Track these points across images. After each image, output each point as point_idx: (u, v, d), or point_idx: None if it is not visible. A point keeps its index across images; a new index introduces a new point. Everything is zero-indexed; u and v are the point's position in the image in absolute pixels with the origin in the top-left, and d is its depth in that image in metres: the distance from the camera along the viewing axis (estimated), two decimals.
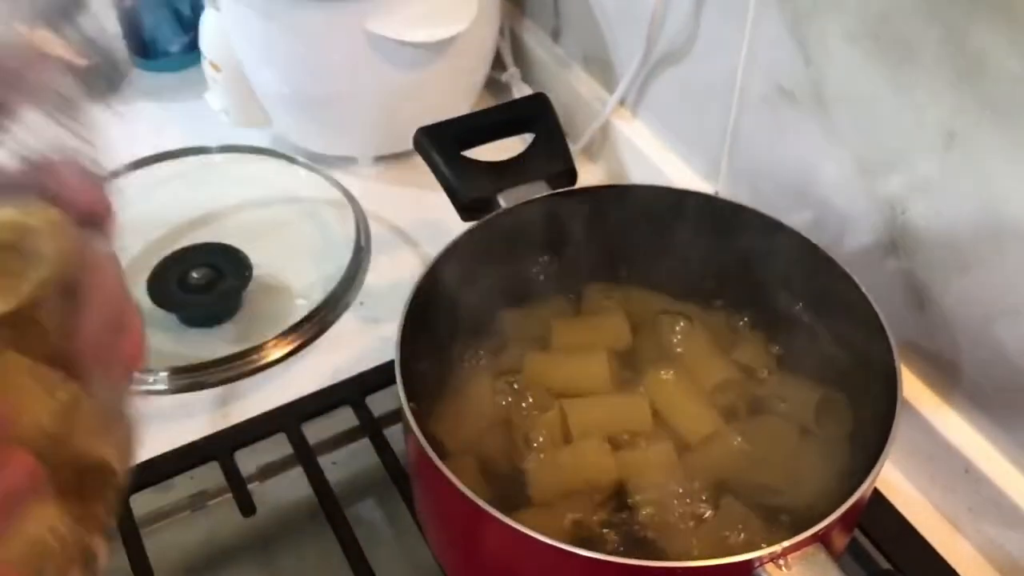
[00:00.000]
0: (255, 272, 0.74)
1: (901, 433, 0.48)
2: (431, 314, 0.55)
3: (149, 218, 0.80)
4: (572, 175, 0.61)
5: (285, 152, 0.83)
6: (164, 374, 0.67)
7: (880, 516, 0.58)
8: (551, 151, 0.61)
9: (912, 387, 0.61)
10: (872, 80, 0.57)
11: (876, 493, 0.57)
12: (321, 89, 0.81)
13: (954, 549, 0.59)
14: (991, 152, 0.51)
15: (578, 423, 0.53)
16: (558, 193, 0.60)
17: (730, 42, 0.67)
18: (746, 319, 0.60)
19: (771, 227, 0.58)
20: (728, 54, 0.68)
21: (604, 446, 0.52)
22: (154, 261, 0.74)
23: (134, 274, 0.75)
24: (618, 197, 0.61)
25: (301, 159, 0.82)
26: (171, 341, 0.72)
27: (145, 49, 0.98)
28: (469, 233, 0.57)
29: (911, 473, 0.63)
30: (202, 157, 0.82)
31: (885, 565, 0.57)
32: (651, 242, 0.62)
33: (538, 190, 0.60)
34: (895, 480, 0.63)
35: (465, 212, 0.59)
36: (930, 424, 0.60)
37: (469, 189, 0.59)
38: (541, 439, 0.53)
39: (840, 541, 0.49)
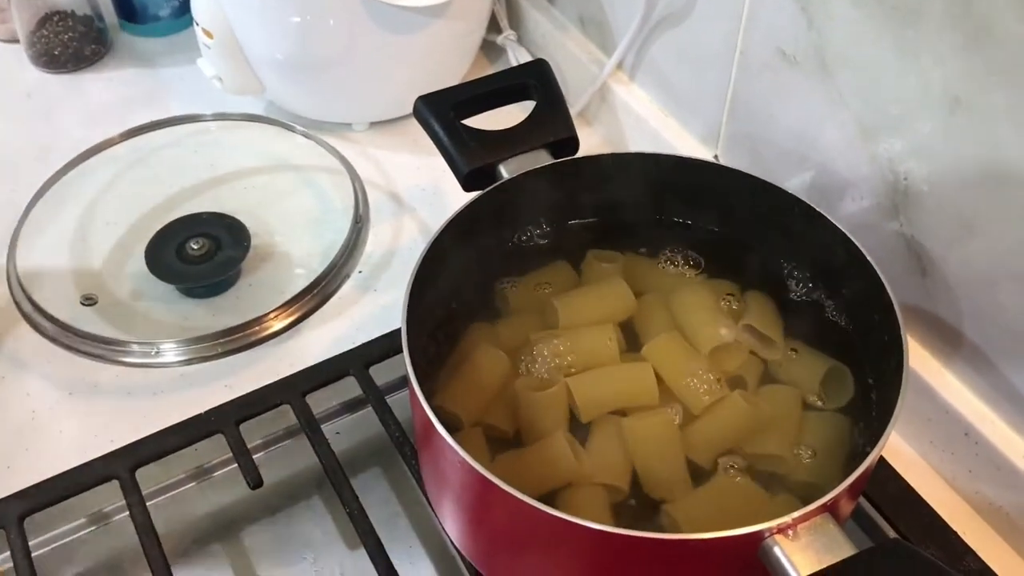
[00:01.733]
0: (255, 243, 0.73)
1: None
2: (435, 286, 0.55)
3: (144, 188, 0.79)
4: (574, 143, 0.61)
5: (280, 119, 0.82)
6: (165, 346, 0.66)
7: (883, 481, 0.58)
8: (552, 119, 0.61)
9: (912, 351, 0.61)
10: (876, 44, 0.56)
11: (879, 458, 0.58)
12: (315, 55, 0.80)
13: (953, 511, 0.60)
14: (996, 118, 0.51)
15: (584, 401, 0.53)
16: (560, 162, 0.59)
17: (730, 5, 0.66)
18: (749, 287, 0.60)
19: (773, 193, 0.58)
20: (728, 17, 0.67)
21: (563, 443, 0.52)
22: (151, 231, 0.74)
23: (131, 245, 0.75)
24: (620, 165, 0.60)
25: (298, 126, 0.81)
26: (171, 312, 0.71)
27: (134, 13, 0.96)
28: (472, 204, 0.57)
29: (911, 436, 0.63)
30: (196, 125, 0.81)
31: (887, 528, 0.57)
32: (653, 209, 0.62)
33: (540, 159, 0.59)
34: (895, 443, 0.63)
35: (467, 182, 0.59)
36: (930, 388, 0.60)
37: (471, 160, 0.58)
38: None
39: (847, 509, 0.49)
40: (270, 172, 0.82)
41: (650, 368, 0.55)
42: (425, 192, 0.82)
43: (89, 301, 0.71)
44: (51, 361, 0.68)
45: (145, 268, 0.71)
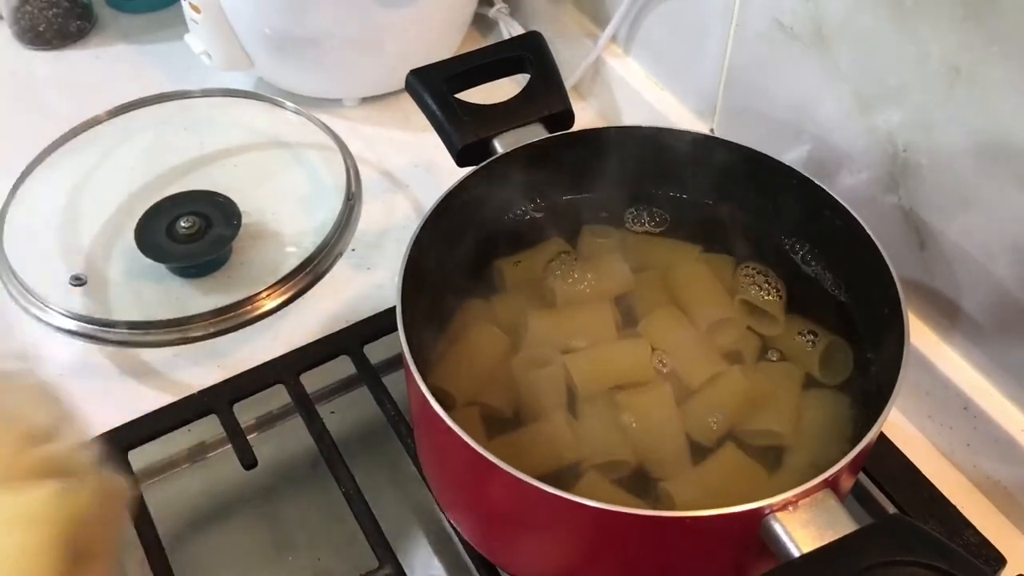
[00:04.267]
0: (245, 221, 0.72)
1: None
2: (429, 263, 0.54)
3: (134, 166, 0.78)
4: (569, 117, 0.60)
5: (270, 95, 0.81)
6: (157, 327, 0.65)
7: (882, 456, 0.58)
8: (547, 93, 0.60)
9: (911, 325, 0.60)
10: (874, 15, 0.55)
11: (878, 433, 0.57)
12: (304, 29, 0.79)
13: (952, 485, 0.59)
14: (997, 89, 0.51)
15: (582, 379, 0.53)
16: (556, 136, 0.58)
17: None
18: (748, 262, 0.59)
19: (771, 166, 0.57)
20: None
21: (562, 423, 0.51)
22: (140, 210, 0.73)
23: (121, 223, 0.74)
24: (615, 139, 0.60)
25: (288, 103, 0.80)
26: (162, 292, 0.71)
27: None
28: (466, 180, 0.56)
29: (910, 411, 0.63)
30: (185, 102, 0.80)
31: (886, 503, 0.57)
32: (650, 184, 0.61)
33: (535, 133, 0.58)
34: (894, 417, 0.63)
35: (460, 157, 0.58)
36: (929, 362, 0.60)
37: (465, 134, 0.58)
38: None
39: (847, 484, 0.49)
40: (260, 149, 0.80)
41: (647, 344, 0.54)
42: (418, 168, 0.81)
43: (78, 282, 0.70)
44: (41, 342, 0.67)
45: (135, 247, 0.70)
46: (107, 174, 0.78)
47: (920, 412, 0.62)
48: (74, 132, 0.76)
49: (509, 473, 0.43)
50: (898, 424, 0.63)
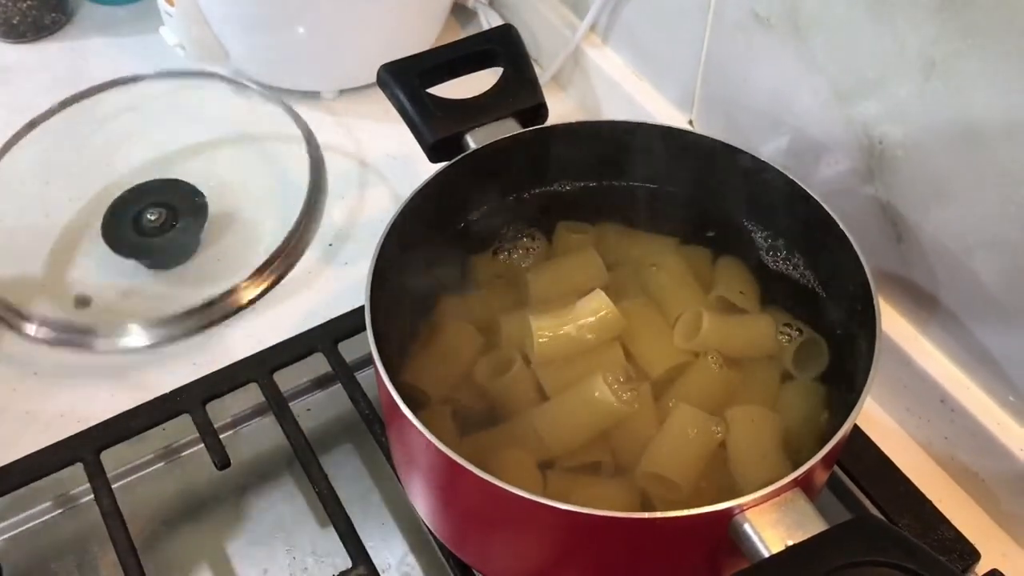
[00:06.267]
0: (212, 211, 0.71)
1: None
2: (403, 260, 0.53)
3: (98, 156, 0.77)
4: (543, 111, 0.59)
5: (237, 79, 0.80)
6: (129, 326, 0.65)
7: (858, 451, 0.58)
8: (520, 86, 0.59)
9: (888, 318, 0.60)
10: (850, 6, 0.55)
11: (854, 427, 0.57)
12: (280, 20, 0.78)
13: (929, 478, 0.59)
14: (973, 81, 0.50)
15: (551, 378, 0.52)
16: (529, 131, 0.58)
17: None
18: (723, 256, 0.59)
19: (746, 159, 0.57)
20: None
21: (532, 423, 0.51)
22: (107, 202, 0.72)
23: (88, 217, 0.73)
24: (589, 133, 0.59)
25: (254, 86, 0.78)
26: (132, 289, 0.70)
27: None
28: (438, 176, 0.55)
29: (887, 404, 0.63)
30: (148, 90, 0.79)
31: (863, 498, 0.57)
32: (624, 178, 0.61)
33: (508, 128, 0.57)
34: (870, 410, 0.63)
35: (433, 153, 0.57)
36: (906, 354, 0.60)
37: (436, 130, 0.57)
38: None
39: (819, 481, 0.49)
40: (231, 139, 0.79)
41: (618, 343, 0.54)
42: (396, 161, 0.80)
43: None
44: (15, 342, 0.66)
45: (102, 242, 0.70)
46: (68, 168, 0.77)
47: (898, 405, 0.62)
48: (30, 126, 0.75)
49: (476, 475, 0.43)
50: (876, 417, 0.63)
